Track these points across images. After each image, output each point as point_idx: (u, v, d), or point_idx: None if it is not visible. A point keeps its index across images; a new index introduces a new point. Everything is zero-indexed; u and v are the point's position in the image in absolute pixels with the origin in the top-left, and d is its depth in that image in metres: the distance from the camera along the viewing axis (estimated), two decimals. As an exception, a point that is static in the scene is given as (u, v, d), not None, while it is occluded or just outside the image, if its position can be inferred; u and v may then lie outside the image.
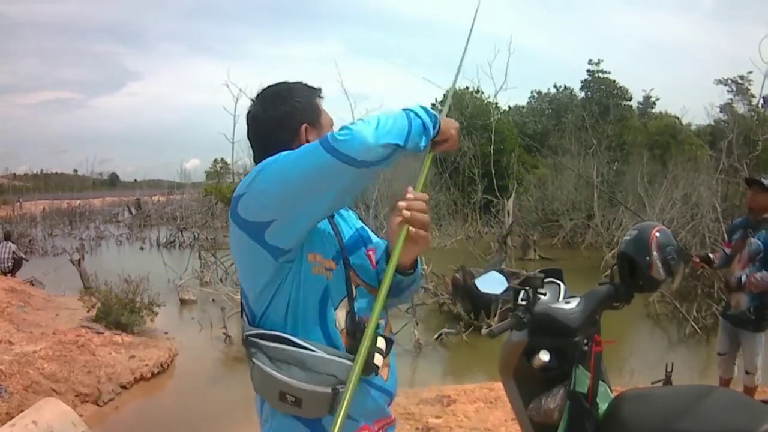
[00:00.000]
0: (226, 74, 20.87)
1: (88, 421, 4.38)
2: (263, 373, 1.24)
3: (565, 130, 23.23)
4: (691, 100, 62.63)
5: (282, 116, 1.39)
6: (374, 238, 1.52)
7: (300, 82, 1.47)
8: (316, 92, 1.46)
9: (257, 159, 1.39)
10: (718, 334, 4.09)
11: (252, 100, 1.45)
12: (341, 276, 1.32)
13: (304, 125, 1.39)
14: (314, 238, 1.30)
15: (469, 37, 1.71)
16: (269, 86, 1.46)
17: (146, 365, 6.05)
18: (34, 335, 6.33)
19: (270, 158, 1.24)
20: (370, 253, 1.45)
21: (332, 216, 1.39)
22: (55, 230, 24.49)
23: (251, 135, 1.43)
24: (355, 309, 1.32)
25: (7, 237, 11.97)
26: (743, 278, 3.62)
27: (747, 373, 3.79)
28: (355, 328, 1.29)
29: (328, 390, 1.22)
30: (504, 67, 21.83)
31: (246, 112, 1.45)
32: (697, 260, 3.98)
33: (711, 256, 3.99)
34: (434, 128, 1.29)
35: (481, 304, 7.85)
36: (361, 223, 1.52)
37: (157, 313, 7.72)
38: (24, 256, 12.02)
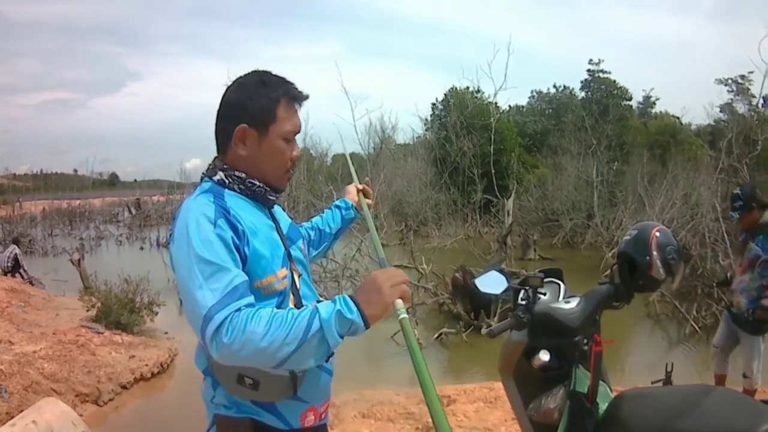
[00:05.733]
0: (226, 74, 20.83)
1: (88, 421, 4.38)
2: None
3: (564, 129, 23.21)
4: (691, 100, 62.68)
5: (231, 106, 1.38)
6: (303, 232, 1.78)
7: (283, 80, 1.41)
8: (281, 98, 1.38)
9: (217, 138, 1.43)
10: (720, 325, 4.10)
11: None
12: (290, 274, 1.41)
13: (244, 126, 1.36)
14: (260, 263, 1.32)
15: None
16: (252, 71, 1.43)
17: (146, 365, 6.04)
18: (34, 335, 6.33)
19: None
20: (303, 246, 1.59)
21: (273, 218, 1.46)
22: (55, 230, 24.49)
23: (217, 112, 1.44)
24: (302, 299, 1.42)
25: (16, 242, 12.43)
26: (755, 309, 3.60)
27: (745, 376, 3.80)
28: None
29: (286, 373, 1.27)
30: (504, 66, 21.84)
31: None
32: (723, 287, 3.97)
33: (727, 276, 4.00)
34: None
35: (481, 304, 7.84)
36: (290, 219, 1.64)
37: (157, 313, 7.72)
38: (23, 266, 11.64)
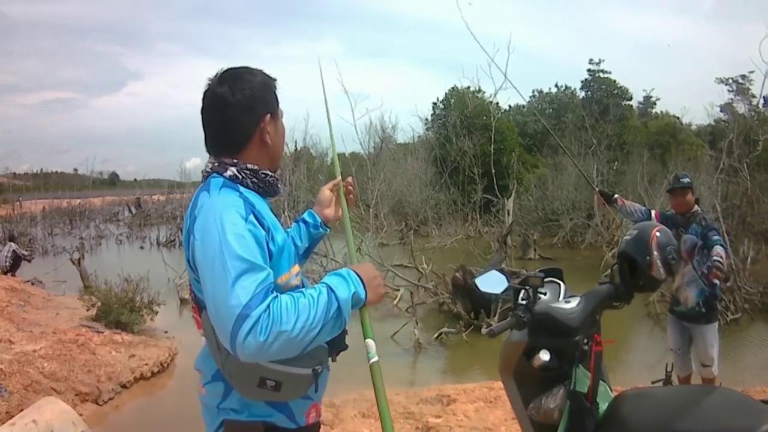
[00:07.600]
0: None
1: (88, 421, 4.38)
2: (241, 361, 1.22)
3: (565, 129, 23.19)
4: (691, 100, 62.63)
5: (250, 101, 1.36)
6: None
7: (261, 70, 1.45)
8: (274, 82, 1.45)
9: (213, 141, 1.40)
10: (668, 330, 4.17)
11: (211, 80, 1.39)
12: (301, 270, 1.45)
13: (268, 115, 1.40)
14: (282, 260, 1.34)
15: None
16: (232, 68, 1.42)
17: (146, 364, 6.05)
18: (34, 334, 6.33)
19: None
20: None
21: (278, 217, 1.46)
22: (55, 229, 24.46)
23: (213, 116, 1.37)
24: None
25: (12, 239, 12.64)
26: (707, 272, 3.66)
27: (704, 366, 3.84)
28: None
29: (309, 371, 1.32)
30: (504, 66, 21.74)
31: (205, 90, 1.39)
32: (599, 195, 4.09)
33: (616, 196, 4.08)
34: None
35: (481, 304, 7.85)
36: None
37: (157, 312, 7.73)
38: (25, 254, 11.91)
